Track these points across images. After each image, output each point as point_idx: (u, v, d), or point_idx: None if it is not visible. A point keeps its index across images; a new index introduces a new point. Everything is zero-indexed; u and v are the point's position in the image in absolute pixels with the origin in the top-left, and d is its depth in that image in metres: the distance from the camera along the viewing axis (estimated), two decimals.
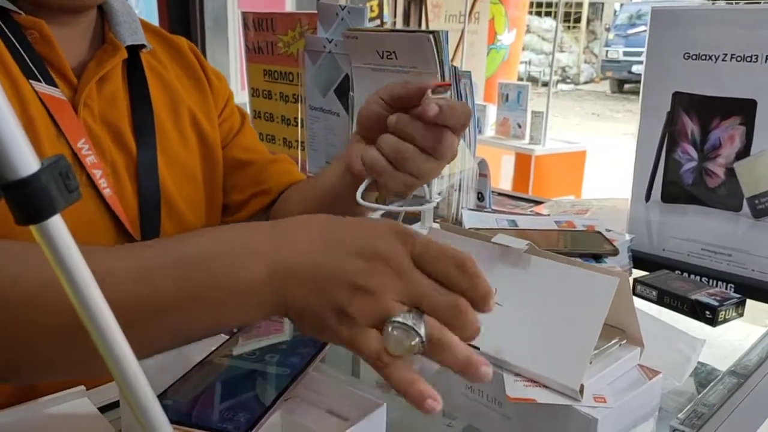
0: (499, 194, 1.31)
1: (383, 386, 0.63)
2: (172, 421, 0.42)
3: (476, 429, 0.54)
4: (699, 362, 0.65)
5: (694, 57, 0.85)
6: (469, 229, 0.80)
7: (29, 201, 0.25)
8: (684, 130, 0.88)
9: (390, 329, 0.38)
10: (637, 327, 0.52)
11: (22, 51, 0.60)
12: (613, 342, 0.51)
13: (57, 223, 0.25)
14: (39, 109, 0.60)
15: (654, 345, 0.54)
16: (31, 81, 0.60)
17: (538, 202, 1.28)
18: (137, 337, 0.30)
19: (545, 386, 0.48)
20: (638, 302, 0.82)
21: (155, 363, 0.47)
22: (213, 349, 0.51)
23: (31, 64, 0.60)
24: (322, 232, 0.41)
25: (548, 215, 0.95)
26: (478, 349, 0.52)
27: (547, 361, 0.48)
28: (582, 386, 0.46)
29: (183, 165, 0.73)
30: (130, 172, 0.67)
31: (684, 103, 0.87)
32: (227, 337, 0.54)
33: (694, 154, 0.88)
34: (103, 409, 0.53)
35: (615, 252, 0.78)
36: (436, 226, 0.89)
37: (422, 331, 0.38)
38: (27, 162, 0.24)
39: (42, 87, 0.60)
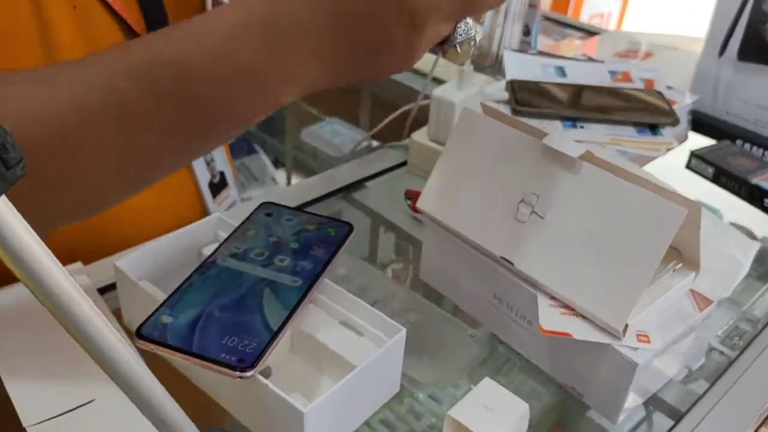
0: (547, 19, 1.16)
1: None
2: (173, 347, 0.39)
3: (501, 340, 0.50)
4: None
5: None
6: (517, 108, 0.71)
7: None
8: None
9: (456, 47, 0.41)
10: (697, 252, 0.45)
11: None
12: (667, 267, 0.45)
13: None
14: None
15: (704, 247, 0.46)
16: None
17: (589, 32, 1.14)
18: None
19: (583, 316, 0.43)
20: (691, 177, 0.74)
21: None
22: (215, 247, 0.46)
23: None
24: None
25: (602, 62, 0.84)
26: (513, 264, 0.46)
27: (590, 290, 0.42)
28: (626, 326, 0.41)
29: None
30: None
31: None
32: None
33: None
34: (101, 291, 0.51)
35: (675, 122, 0.69)
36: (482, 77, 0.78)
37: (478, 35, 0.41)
38: None
39: None
